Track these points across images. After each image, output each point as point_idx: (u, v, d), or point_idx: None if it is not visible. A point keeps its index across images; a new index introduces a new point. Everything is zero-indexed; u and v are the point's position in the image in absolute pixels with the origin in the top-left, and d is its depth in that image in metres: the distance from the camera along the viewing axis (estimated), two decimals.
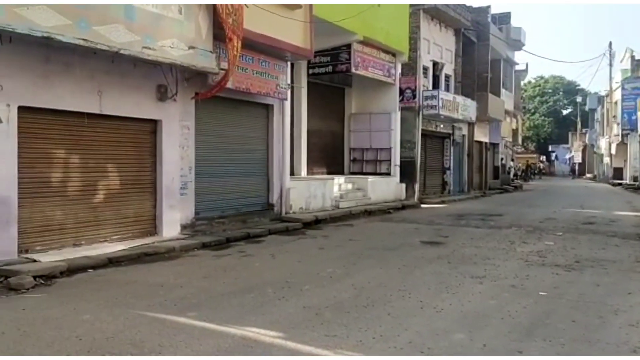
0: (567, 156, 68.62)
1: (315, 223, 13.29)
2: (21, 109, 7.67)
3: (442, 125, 23.18)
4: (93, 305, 5.90)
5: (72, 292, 6.51)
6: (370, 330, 5.07)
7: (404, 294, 6.47)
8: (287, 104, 13.58)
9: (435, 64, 22.96)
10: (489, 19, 27.78)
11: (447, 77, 24.33)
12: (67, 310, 5.71)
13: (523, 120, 53.82)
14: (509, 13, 33.75)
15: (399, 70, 19.52)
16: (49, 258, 7.66)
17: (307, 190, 14.54)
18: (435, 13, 21.83)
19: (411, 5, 19.92)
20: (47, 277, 7.02)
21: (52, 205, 8.34)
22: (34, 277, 6.84)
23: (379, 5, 16.13)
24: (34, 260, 7.51)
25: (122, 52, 8.11)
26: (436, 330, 5.14)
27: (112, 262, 8.10)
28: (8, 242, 7.50)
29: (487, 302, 6.18)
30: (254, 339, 4.86)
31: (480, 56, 26.81)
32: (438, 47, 22.95)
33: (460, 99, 23.37)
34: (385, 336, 4.94)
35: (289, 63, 13.32)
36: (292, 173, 14.81)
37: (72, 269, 7.45)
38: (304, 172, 16.44)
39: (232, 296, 6.32)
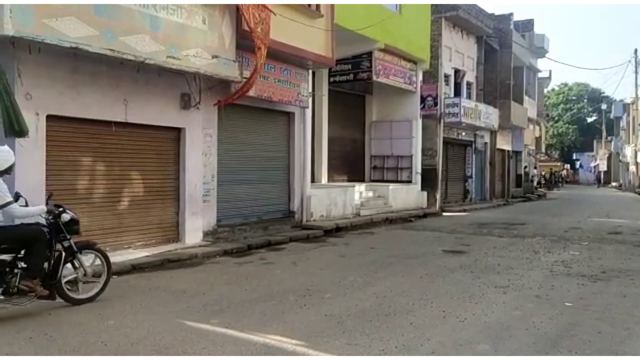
0: (592, 164, 67.40)
1: (336, 231, 13.29)
2: (49, 118, 7.85)
3: (463, 133, 23.02)
4: (117, 311, 5.99)
5: (97, 298, 6.60)
6: (393, 340, 5.04)
7: (426, 303, 6.42)
8: (308, 111, 13.65)
9: (456, 71, 22.85)
10: (512, 26, 27.56)
11: (469, 84, 24.18)
12: (92, 315, 5.80)
13: (546, 128, 53.15)
14: (532, 20, 33.43)
15: (420, 77, 19.48)
16: None
17: (327, 198, 14.55)
18: (456, 21, 21.75)
19: (433, 13, 19.88)
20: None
21: (78, 212, 8.44)
22: None
23: (400, 12, 16.15)
24: None
25: (147, 61, 8.26)
26: (459, 340, 5.09)
27: (135, 268, 8.22)
28: None
29: (511, 312, 6.11)
30: (276, 346, 4.87)
31: (503, 63, 26.59)
32: (460, 55, 22.84)
33: (482, 106, 23.19)
34: (408, 346, 4.91)
35: (310, 71, 13.40)
36: (312, 180, 14.84)
37: (97, 275, 7.55)
38: (324, 179, 16.46)
39: (254, 303, 6.35)
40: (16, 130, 6.89)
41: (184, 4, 8.84)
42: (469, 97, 23.66)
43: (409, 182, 19.30)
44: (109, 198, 8.97)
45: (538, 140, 39.74)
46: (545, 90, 48.11)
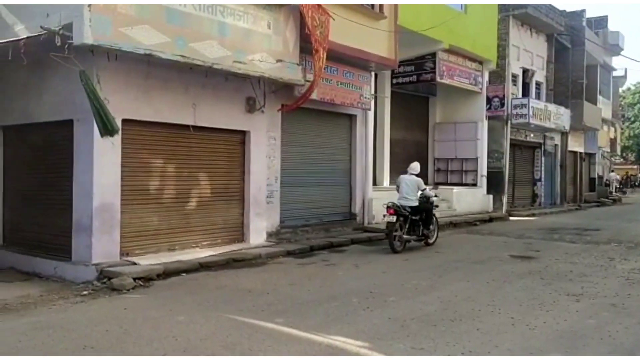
0: None
1: None
2: (125, 122, 8.23)
3: (532, 135, 22.20)
4: (187, 307, 6.20)
5: (168, 294, 6.88)
6: (459, 345, 4.94)
7: (494, 309, 6.24)
8: (371, 114, 13.61)
9: (525, 71, 22.08)
10: (584, 23, 26.31)
11: (538, 84, 23.30)
12: (164, 311, 6.03)
13: (622, 129, 50.28)
14: (606, 17, 31.78)
15: (486, 78, 18.97)
16: (146, 261, 8.15)
17: (389, 201, 14.38)
18: (525, 18, 21.02)
19: (500, 11, 19.32)
20: (145, 279, 7.47)
21: (150, 212, 8.86)
22: (134, 279, 7.31)
23: (465, 12, 15.81)
24: (134, 263, 8.01)
25: (215, 66, 8.51)
26: (529, 349, 4.91)
27: (203, 266, 8.47)
28: (111, 246, 8.06)
29: (585, 321, 5.83)
30: (339, 347, 4.89)
31: (575, 62, 25.45)
32: (528, 54, 22.07)
33: (552, 107, 22.29)
34: (475, 352, 4.79)
35: (373, 73, 13.36)
36: (374, 183, 14.76)
37: (167, 272, 7.88)
38: (386, 182, 16.31)
39: (317, 304, 6.39)
40: (109, 129, 7.23)
41: (250, 10, 9.04)
42: (538, 97, 22.80)
43: (474, 185, 18.83)
44: (178, 198, 9.30)
45: (613, 142, 37.69)
46: (620, 90, 45.58)
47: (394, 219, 10.52)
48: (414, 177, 11.12)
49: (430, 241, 11.43)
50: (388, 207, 10.65)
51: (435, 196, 11.80)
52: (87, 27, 6.83)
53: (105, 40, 7.07)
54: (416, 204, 10.91)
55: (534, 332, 5.40)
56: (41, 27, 7.06)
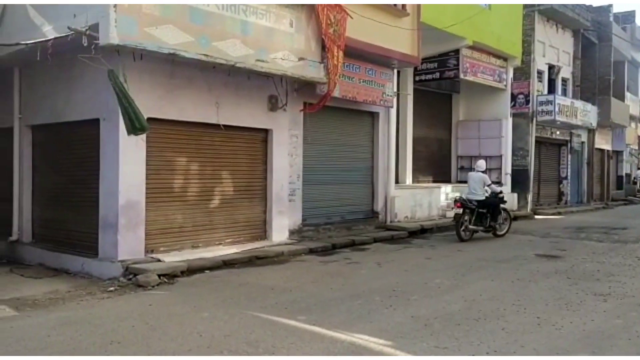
0: None
1: (421, 232, 13.08)
2: (149, 120, 8.30)
3: (558, 132, 21.83)
4: (211, 304, 6.26)
5: (192, 291, 6.96)
6: (484, 345, 4.89)
7: (519, 308, 6.16)
8: (393, 111, 13.53)
9: (550, 67, 21.71)
10: (611, 19, 25.76)
11: (564, 80, 22.89)
12: (188, 307, 6.10)
13: None
14: (634, 12, 31.18)
15: (511, 75, 18.69)
16: (171, 258, 8.25)
17: (412, 199, 14.35)
18: (551, 14, 20.66)
19: (525, 7, 19.02)
20: (169, 276, 7.57)
21: (174, 209, 8.96)
22: (159, 276, 7.41)
23: (489, 8, 15.60)
24: (158, 260, 8.12)
25: (238, 65, 8.56)
26: (556, 349, 4.84)
27: (226, 264, 8.54)
28: (136, 243, 8.17)
29: (612, 321, 5.72)
30: (362, 345, 4.88)
31: (602, 58, 24.93)
32: (554, 50, 21.69)
33: (579, 103, 21.88)
34: (500, 352, 4.73)
35: (395, 70, 13.28)
36: (397, 181, 14.68)
37: (191, 269, 7.97)
38: (409, 180, 16.23)
39: (340, 302, 6.39)
40: (137, 127, 7.31)
41: (273, 9, 9.06)
42: (564, 93, 22.40)
43: (498, 183, 18.57)
44: (202, 196, 9.39)
45: None
46: None
47: (460, 211, 11.82)
48: (479, 173, 12.35)
49: (499, 233, 12.46)
50: (455, 201, 12.21)
51: (501, 192, 12.94)
52: (112, 27, 6.93)
53: (131, 40, 7.16)
54: (482, 198, 12.04)
55: (561, 332, 5.32)
56: (68, 27, 7.19)
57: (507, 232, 12.67)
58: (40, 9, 8.25)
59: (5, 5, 8.82)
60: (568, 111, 20.65)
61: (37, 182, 9.74)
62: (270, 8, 9.03)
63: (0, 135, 10.19)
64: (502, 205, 12.55)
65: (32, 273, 8.32)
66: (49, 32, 7.85)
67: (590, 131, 24.24)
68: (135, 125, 7.25)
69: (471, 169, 19.42)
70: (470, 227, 11.93)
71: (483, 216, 12.11)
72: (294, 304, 6.30)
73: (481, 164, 12.66)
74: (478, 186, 12.14)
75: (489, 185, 12.29)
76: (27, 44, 7.95)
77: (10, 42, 8.38)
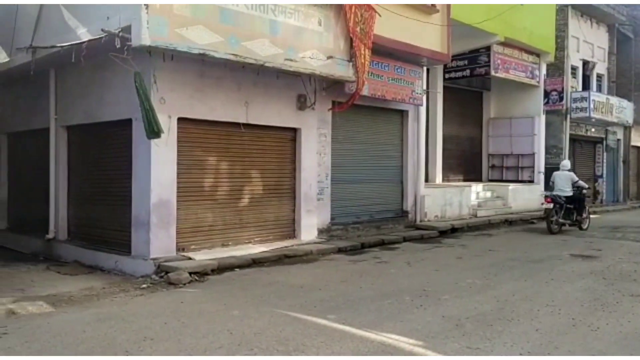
0: None
1: (452, 232, 12.93)
2: (180, 120, 8.46)
3: (593, 129, 21.30)
4: (241, 302, 6.30)
5: (222, 289, 7.02)
6: (517, 346, 4.79)
7: (553, 309, 6.03)
8: (423, 109, 13.40)
9: (585, 63, 21.19)
10: None
11: (599, 76, 22.32)
12: (219, 305, 6.16)
13: None
14: None
15: (544, 71, 18.31)
16: (201, 256, 8.34)
17: (442, 198, 14.19)
18: (585, 9, 20.17)
19: (558, 2, 18.59)
20: (200, 274, 7.65)
21: (204, 208, 9.06)
22: (189, 274, 7.50)
23: (522, 4, 15.31)
24: (189, 258, 8.22)
25: (266, 64, 8.59)
26: (591, 350, 4.71)
27: (255, 262, 8.59)
28: (168, 241, 8.29)
29: None
30: (393, 345, 4.84)
31: (638, 53, 24.21)
32: (589, 45, 21.16)
33: (614, 100, 21.30)
34: (534, 353, 4.64)
35: (424, 68, 13.15)
36: (426, 180, 14.54)
37: (221, 268, 8.04)
38: (439, 179, 16.07)
39: (370, 301, 6.36)
40: (155, 131, 7.48)
41: (301, 8, 9.07)
42: (599, 90, 21.85)
43: (531, 182, 18.25)
44: (231, 195, 9.46)
45: None
46: None
47: (550, 206, 13.20)
48: (566, 172, 13.62)
49: (584, 227, 13.54)
50: (546, 197, 13.83)
51: (588, 188, 14.22)
52: (144, 28, 7.03)
53: (162, 41, 7.25)
54: (570, 194, 13.26)
55: (596, 334, 5.18)
56: (102, 29, 7.33)
57: (588, 226, 13.61)
58: (75, 12, 8.44)
59: (41, 6, 9.04)
60: (603, 108, 20.14)
61: (72, 181, 9.98)
62: (298, 7, 9.04)
63: (37, 136, 10.48)
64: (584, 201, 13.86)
65: (68, 270, 8.53)
66: (83, 34, 8.02)
67: (626, 128, 23.59)
68: (153, 129, 7.39)
69: (503, 168, 19.27)
70: (560, 220, 13.07)
71: (570, 211, 13.26)
72: (324, 302, 6.30)
73: (566, 163, 14.07)
74: (566, 183, 13.34)
75: (575, 182, 13.41)
76: (62, 46, 8.15)
77: (47, 45, 8.60)
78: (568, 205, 13.22)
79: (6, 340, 4.97)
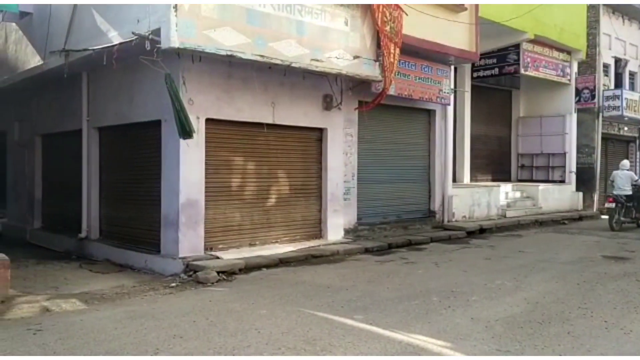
0: None
1: (480, 232, 12.77)
2: (208, 121, 8.56)
3: (626, 128, 20.76)
4: (268, 301, 6.34)
5: (250, 288, 7.07)
6: (548, 349, 4.71)
7: (585, 312, 5.90)
8: (450, 109, 13.27)
9: (617, 60, 20.66)
10: None
11: (632, 74, 21.72)
12: (246, 304, 6.21)
13: None
14: None
15: (575, 69, 17.94)
16: (229, 256, 8.42)
17: (470, 198, 14.02)
18: (617, 6, 19.64)
19: None
20: (228, 273, 7.73)
21: (232, 208, 9.14)
22: (217, 273, 7.58)
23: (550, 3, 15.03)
24: (217, 257, 8.31)
25: (293, 65, 8.63)
26: (625, 354, 4.61)
27: (282, 262, 8.63)
28: (196, 240, 8.40)
29: None
30: (420, 346, 4.81)
31: None
32: (621, 42, 20.62)
33: None
34: (566, 356, 4.54)
35: (452, 67, 13.02)
36: (454, 180, 14.40)
37: (249, 267, 8.11)
38: (466, 179, 15.89)
39: (397, 302, 6.33)
40: (187, 131, 7.59)
41: (328, 8, 9.07)
42: (632, 88, 21.27)
43: (562, 182, 17.90)
44: (259, 195, 9.53)
45: None
46: None
47: (612, 205, 13.62)
48: (625, 171, 14.08)
49: None
50: (608, 197, 14.29)
51: None
52: (173, 31, 7.14)
53: (191, 43, 7.35)
54: (630, 192, 13.75)
55: (630, 337, 5.05)
56: (133, 32, 7.47)
57: None
58: (106, 16, 8.62)
59: (74, 11, 9.25)
60: (636, 106, 19.60)
61: (104, 181, 10.19)
62: (325, 7, 9.05)
63: (70, 137, 10.74)
64: None
65: (99, 268, 8.72)
66: (115, 37, 8.19)
67: None
68: (185, 129, 7.49)
69: (533, 168, 18.94)
70: (621, 218, 13.58)
71: (629, 210, 13.79)
72: (350, 302, 6.29)
73: (626, 163, 14.38)
74: (625, 182, 13.84)
75: (635, 181, 13.97)
76: (94, 49, 8.34)
77: (79, 48, 8.81)
78: (628, 204, 13.70)
79: (41, 336, 5.10)
